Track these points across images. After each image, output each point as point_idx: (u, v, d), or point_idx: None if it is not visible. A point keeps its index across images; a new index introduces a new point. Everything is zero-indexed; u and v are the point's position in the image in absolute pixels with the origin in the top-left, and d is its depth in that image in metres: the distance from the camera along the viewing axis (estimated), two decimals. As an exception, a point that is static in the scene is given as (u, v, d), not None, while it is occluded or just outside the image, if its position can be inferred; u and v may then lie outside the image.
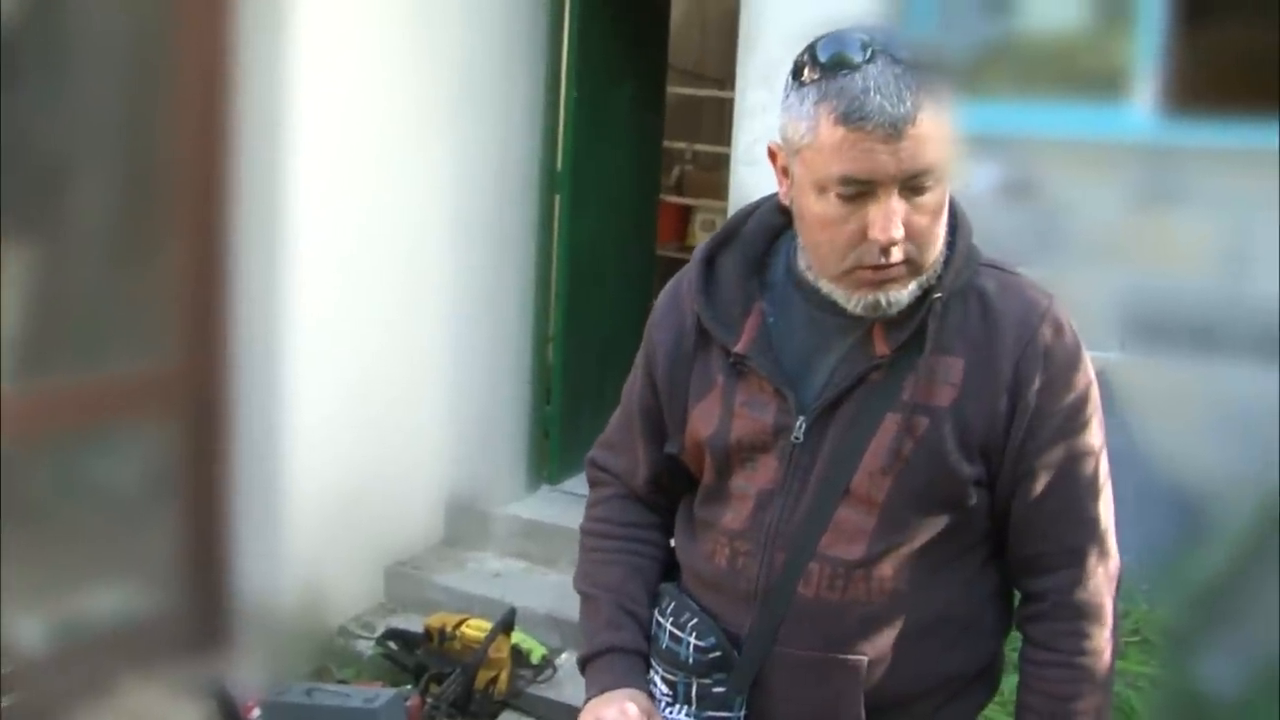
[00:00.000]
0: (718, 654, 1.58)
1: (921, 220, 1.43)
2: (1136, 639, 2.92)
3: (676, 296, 1.64)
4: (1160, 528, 3.16)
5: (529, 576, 4.30)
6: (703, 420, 1.59)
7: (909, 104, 1.37)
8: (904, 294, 1.47)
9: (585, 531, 1.76)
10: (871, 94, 1.37)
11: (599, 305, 4.78)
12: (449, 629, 3.84)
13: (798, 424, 1.53)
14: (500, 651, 3.76)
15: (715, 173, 6.27)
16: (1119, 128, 3.67)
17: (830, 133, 1.39)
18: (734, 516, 1.58)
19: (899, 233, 1.42)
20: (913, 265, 1.46)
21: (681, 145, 6.83)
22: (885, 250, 1.43)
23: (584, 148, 4.67)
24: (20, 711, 3.26)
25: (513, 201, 4.59)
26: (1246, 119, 3.46)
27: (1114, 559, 1.57)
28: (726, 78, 5.03)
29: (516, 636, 3.83)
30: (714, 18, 6.61)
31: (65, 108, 3.40)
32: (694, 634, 1.59)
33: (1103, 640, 1.55)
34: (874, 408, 1.50)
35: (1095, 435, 1.54)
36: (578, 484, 1.88)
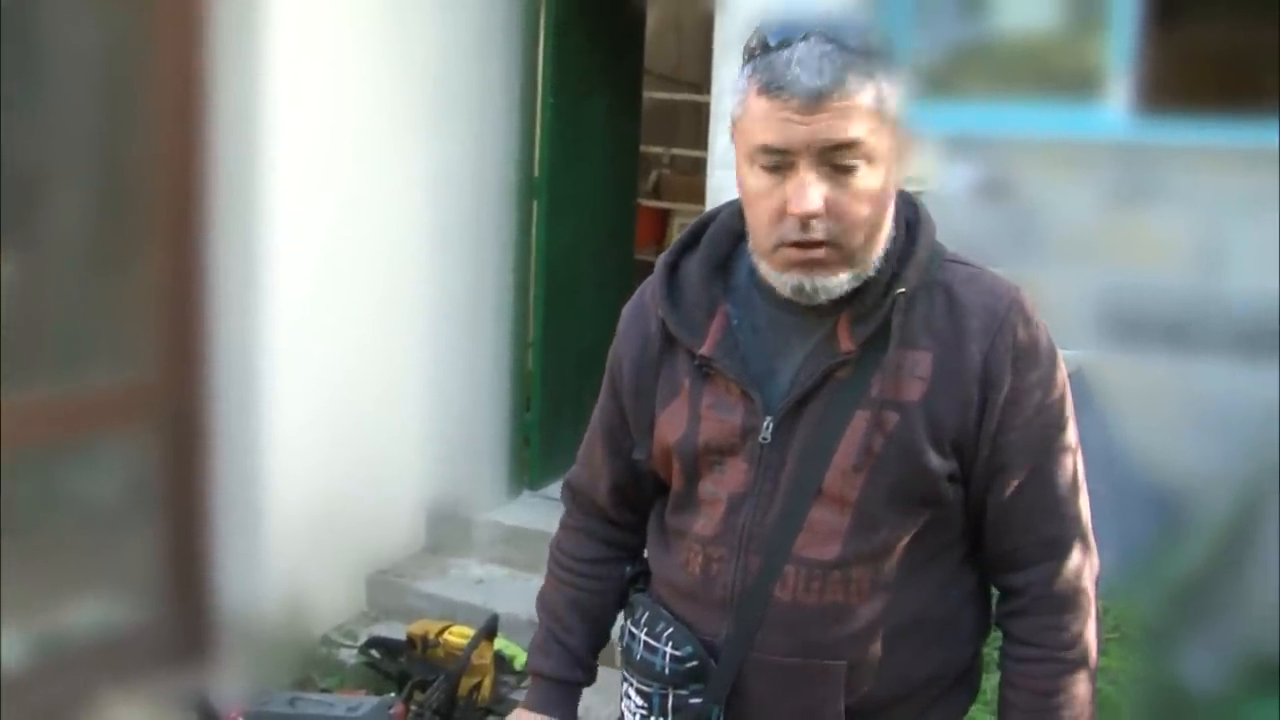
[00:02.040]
0: (694, 663, 1.56)
1: (846, 201, 1.42)
2: (1116, 635, 2.93)
3: (640, 306, 1.65)
4: (1138, 524, 3.18)
5: (511, 583, 4.30)
6: (670, 425, 1.58)
7: (827, 77, 1.38)
8: (833, 281, 1.46)
9: (550, 549, 1.82)
10: (793, 66, 1.39)
11: (578, 311, 4.78)
12: (432, 636, 3.83)
13: (765, 424, 1.52)
14: (483, 658, 3.75)
15: (693, 177, 6.27)
16: (1093, 127, 3.69)
17: (755, 104, 1.42)
18: (705, 523, 1.57)
19: (811, 205, 1.40)
20: (839, 250, 1.44)
21: (659, 150, 6.84)
22: (804, 225, 1.42)
23: (561, 153, 4.67)
24: (1, 726, 3.24)
25: (490, 208, 4.59)
26: (1220, 117, 3.49)
27: (1093, 552, 1.57)
28: (703, 82, 5.03)
29: (499, 643, 3.82)
30: (690, 22, 6.62)
31: (40, 117, 3.38)
32: (669, 643, 1.57)
33: (1085, 633, 1.55)
34: (842, 405, 1.49)
35: (1068, 426, 1.54)
36: (559, 489, 1.89)
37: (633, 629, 1.63)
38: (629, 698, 1.63)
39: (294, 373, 3.86)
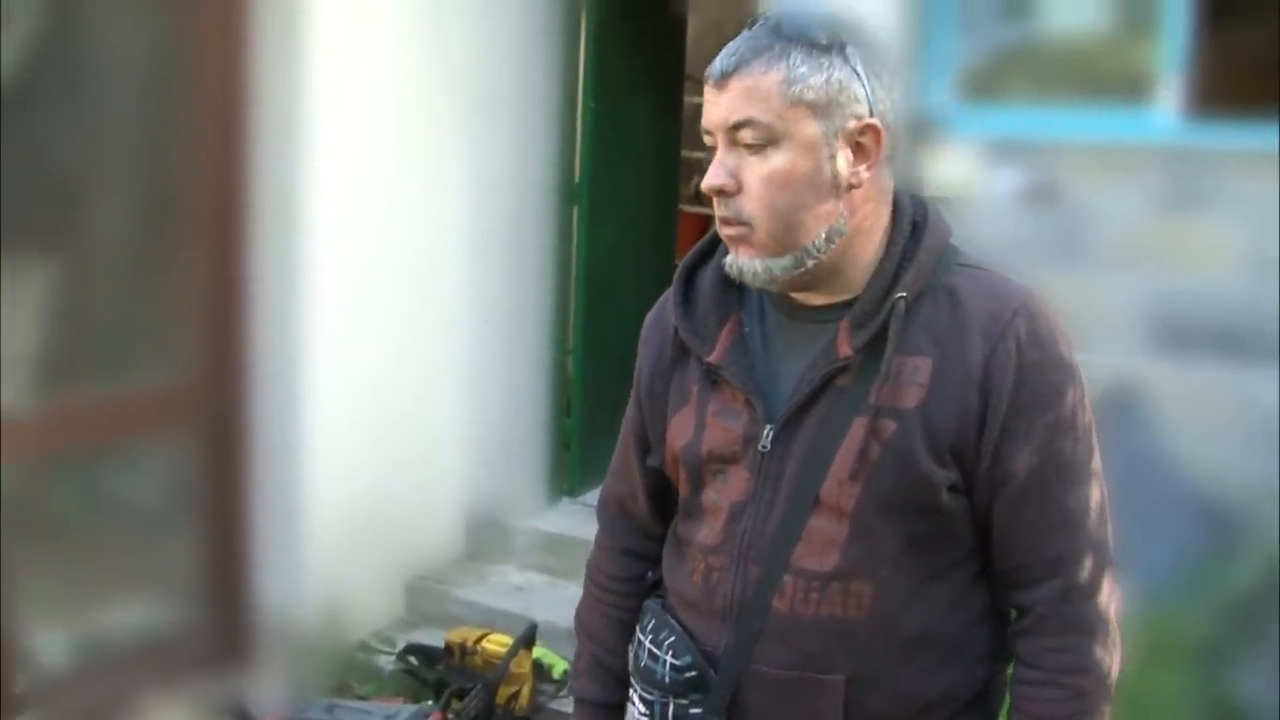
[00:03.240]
0: (694, 673, 1.53)
1: (753, 182, 1.44)
2: (1167, 652, 2.86)
3: (660, 312, 1.64)
4: (1188, 537, 3.11)
5: (550, 590, 4.27)
6: (678, 431, 1.57)
7: (736, 57, 1.42)
8: (757, 264, 1.46)
9: (588, 570, 1.79)
10: (724, 52, 1.44)
11: (618, 317, 4.75)
12: (470, 644, 3.81)
13: (765, 432, 1.49)
14: (522, 667, 3.73)
15: (735, 182, 6.23)
16: (1143, 131, 3.63)
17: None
18: (708, 532, 1.55)
19: (709, 179, 1.44)
20: (753, 231, 1.45)
21: (700, 155, 6.80)
22: (718, 204, 1.47)
23: (602, 159, 4.65)
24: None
25: (531, 214, 4.57)
26: (1272, 121, 3.41)
27: (1111, 573, 1.49)
28: (745, 86, 4.96)
29: (538, 651, 3.80)
30: (732, 26, 6.58)
31: (84, 123, 3.41)
32: (670, 652, 1.55)
33: (1095, 657, 1.47)
34: (842, 413, 1.46)
35: (1078, 436, 1.47)
36: (598, 496, 1.87)
37: (640, 636, 1.62)
38: (634, 704, 1.62)
39: (335, 377, 3.86)
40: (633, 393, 1.69)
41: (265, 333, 3.77)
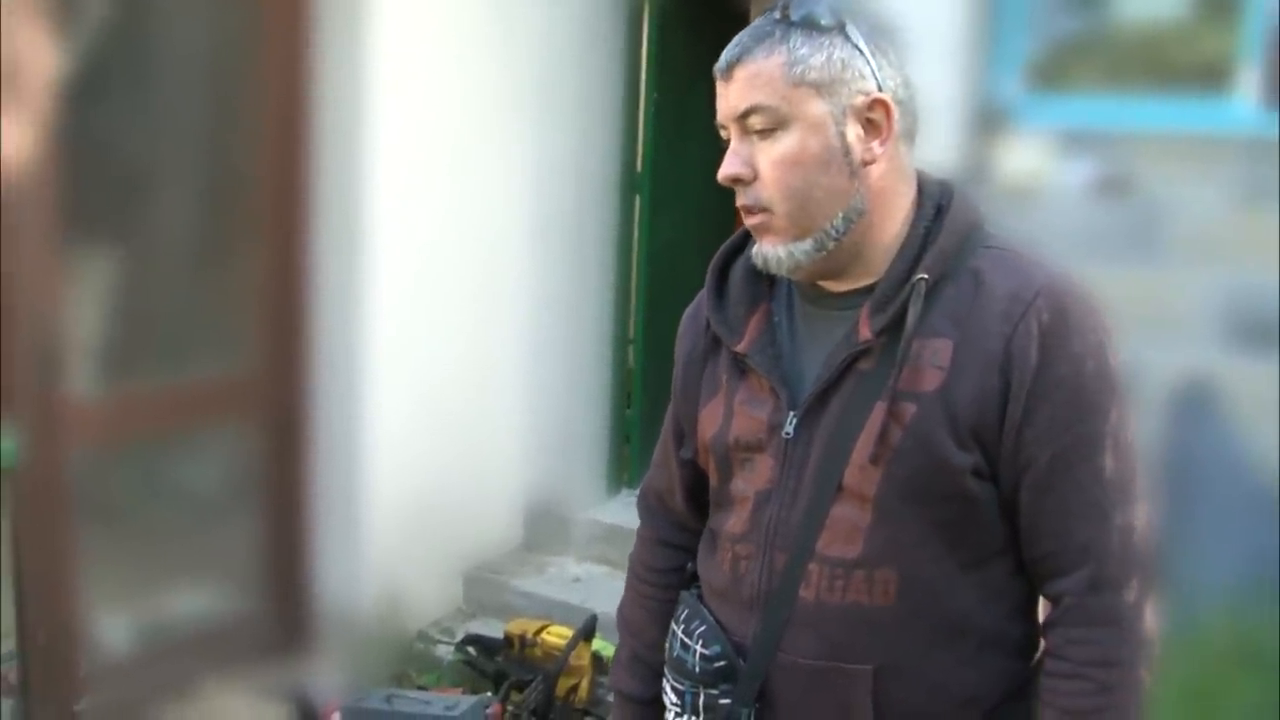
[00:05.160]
0: (723, 663, 1.53)
1: (767, 167, 1.45)
2: (1243, 655, 2.79)
3: (697, 305, 1.67)
4: (1265, 538, 3.03)
5: (609, 582, 4.25)
6: (708, 421, 1.59)
7: (740, 48, 1.45)
8: (781, 250, 1.47)
9: (630, 563, 1.82)
10: (729, 45, 1.47)
11: (680, 307, 4.67)
12: (530, 635, 3.81)
13: (788, 419, 1.49)
14: (581, 659, 3.72)
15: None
16: (1222, 121, 3.53)
17: None
18: (736, 520, 1.55)
19: (725, 169, 1.47)
20: (773, 216, 1.46)
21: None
22: (738, 193, 1.48)
23: (664, 148, 4.62)
24: (101, 711, 3.28)
25: (592, 203, 4.55)
26: (1356, 110, 3.31)
27: (1147, 561, 1.43)
28: (809, 76, 4.90)
29: (597, 644, 3.79)
30: (797, 16, 6.54)
31: (150, 117, 3.43)
32: (700, 642, 1.55)
33: (1123, 650, 1.41)
34: (864, 397, 1.45)
35: (1109, 420, 1.41)
36: (639, 488, 1.87)
37: (674, 626, 1.61)
38: (667, 693, 1.61)
39: (395, 368, 3.87)
40: (672, 387, 1.71)
41: (326, 323, 3.78)
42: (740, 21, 5.27)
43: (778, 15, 1.46)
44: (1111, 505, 1.42)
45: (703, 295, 1.66)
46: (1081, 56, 3.81)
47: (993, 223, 1.51)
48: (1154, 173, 3.49)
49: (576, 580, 4.34)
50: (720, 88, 1.48)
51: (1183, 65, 3.72)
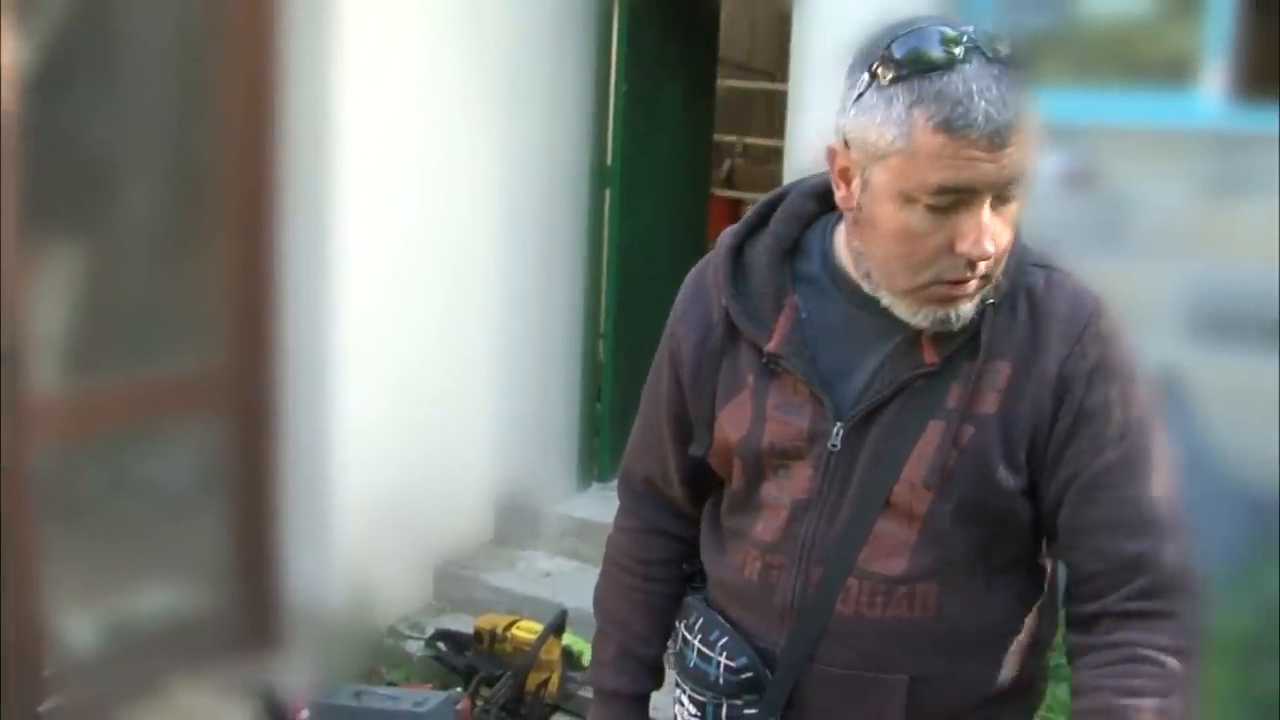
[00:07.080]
0: (749, 674, 1.50)
1: (1005, 232, 1.34)
2: (1210, 647, 2.81)
3: (701, 287, 1.54)
4: (1232, 532, 3.06)
5: (580, 576, 4.25)
6: (732, 423, 1.49)
7: (1013, 110, 1.27)
8: (970, 308, 1.38)
9: (607, 548, 1.74)
10: (975, 98, 1.26)
11: (650, 301, 4.70)
12: (499, 631, 3.80)
13: (835, 431, 1.44)
14: (551, 654, 3.72)
15: (766, 166, 6.19)
16: (1187, 115, 3.56)
17: (929, 140, 1.27)
18: (765, 527, 1.49)
19: (992, 247, 1.31)
20: (987, 280, 1.37)
21: (732, 139, 6.77)
22: (972, 264, 1.33)
23: (634, 142, 4.61)
24: (67, 711, 3.25)
25: (562, 197, 4.54)
26: (1320, 105, 3.34)
27: (1188, 587, 1.41)
28: (777, 70, 4.94)
29: (567, 638, 3.78)
30: (764, 10, 6.54)
31: (114, 109, 3.40)
32: (724, 653, 1.51)
33: (1181, 643, 1.40)
34: (916, 415, 1.41)
35: (1153, 450, 1.41)
36: (619, 472, 1.82)
37: (686, 634, 1.58)
38: (682, 704, 1.58)
39: (364, 361, 3.85)
40: (666, 372, 1.59)
41: (294, 317, 3.76)
42: (711, 14, 5.26)
43: (994, 51, 1.28)
44: (1160, 515, 1.40)
45: (701, 275, 1.56)
46: (1048, 52, 3.82)
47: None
48: (1120, 167, 3.52)
49: (547, 575, 4.33)
50: (977, 151, 1.27)
51: (1149, 60, 3.74)
